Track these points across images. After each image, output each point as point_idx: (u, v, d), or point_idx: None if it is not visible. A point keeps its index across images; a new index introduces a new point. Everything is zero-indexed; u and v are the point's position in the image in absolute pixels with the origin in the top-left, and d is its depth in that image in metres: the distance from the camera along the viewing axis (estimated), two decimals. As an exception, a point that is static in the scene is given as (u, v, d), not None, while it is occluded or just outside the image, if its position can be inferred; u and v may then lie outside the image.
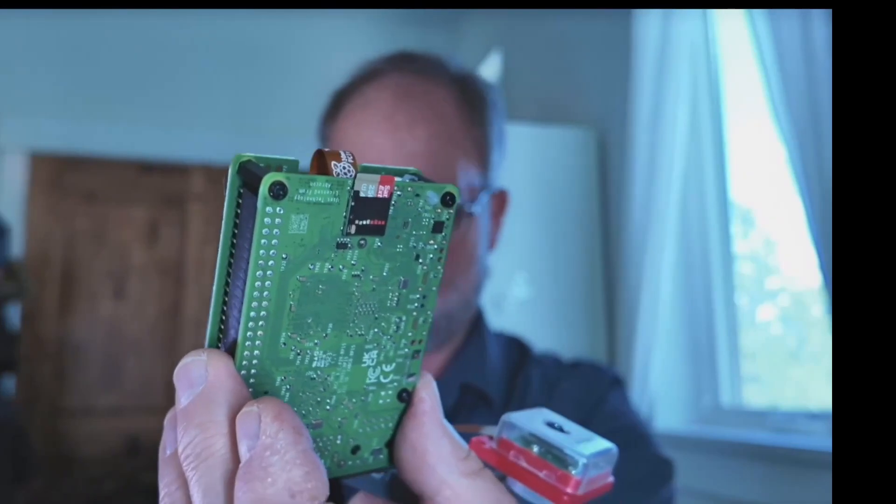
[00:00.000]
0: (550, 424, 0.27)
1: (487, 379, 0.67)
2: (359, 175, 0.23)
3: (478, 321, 0.72)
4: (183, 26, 2.63)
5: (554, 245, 1.70)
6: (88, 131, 2.55)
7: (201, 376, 0.22)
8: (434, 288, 0.26)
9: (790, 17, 1.07)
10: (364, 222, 0.24)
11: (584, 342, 1.67)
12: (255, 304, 0.23)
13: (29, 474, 1.97)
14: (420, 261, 0.26)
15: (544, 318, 1.65)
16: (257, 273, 0.23)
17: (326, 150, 0.24)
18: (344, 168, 0.23)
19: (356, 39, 2.70)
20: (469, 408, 0.67)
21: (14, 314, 2.36)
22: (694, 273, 1.54)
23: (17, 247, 2.38)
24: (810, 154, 1.04)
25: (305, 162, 0.25)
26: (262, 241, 0.22)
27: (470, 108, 0.68)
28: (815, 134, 1.03)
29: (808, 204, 1.05)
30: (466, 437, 0.28)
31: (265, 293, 0.23)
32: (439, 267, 0.26)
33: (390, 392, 0.27)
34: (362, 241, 0.24)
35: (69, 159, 2.56)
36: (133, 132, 2.58)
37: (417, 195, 0.25)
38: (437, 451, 0.25)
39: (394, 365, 0.26)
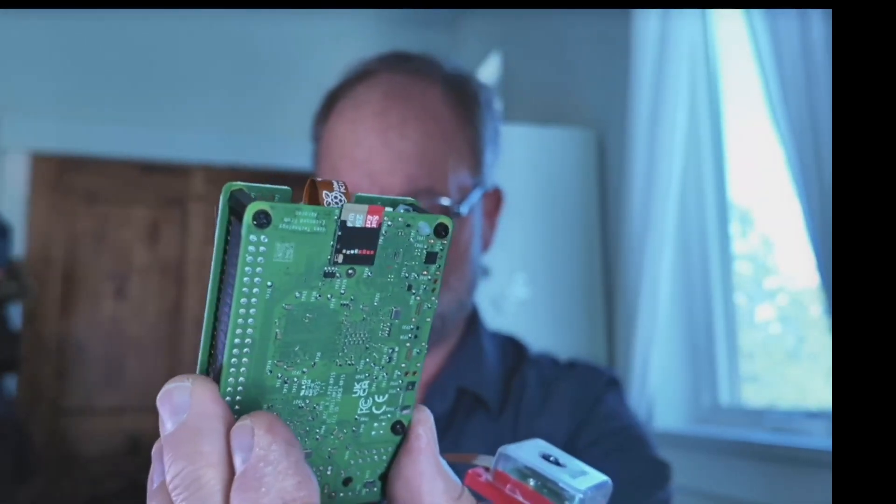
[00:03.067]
0: (546, 457, 0.27)
1: (483, 381, 0.67)
2: (346, 205, 0.23)
3: (473, 321, 0.72)
4: (184, 27, 2.63)
5: (553, 245, 1.70)
6: (89, 132, 2.55)
7: (185, 403, 0.23)
8: (428, 319, 0.26)
9: (788, 17, 1.07)
10: (352, 252, 0.24)
11: (583, 342, 1.67)
12: (239, 330, 0.23)
13: (30, 473, 1.97)
14: (413, 291, 0.25)
15: (544, 319, 1.66)
16: (241, 300, 0.23)
17: (319, 179, 0.24)
18: (335, 198, 0.23)
19: (356, 40, 2.70)
20: (465, 411, 0.66)
21: (16, 314, 2.36)
22: (693, 273, 1.54)
23: (18, 247, 2.38)
24: (808, 154, 1.04)
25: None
26: (247, 268, 0.22)
27: (462, 108, 0.68)
28: (813, 134, 1.03)
29: (805, 204, 1.06)
30: (462, 467, 0.28)
31: (250, 320, 0.23)
32: (433, 298, 0.26)
33: (384, 424, 0.26)
34: (351, 271, 0.24)
35: (70, 159, 2.56)
36: (134, 133, 2.59)
37: (409, 225, 0.24)
38: (431, 489, 0.25)
39: (387, 396, 0.26)
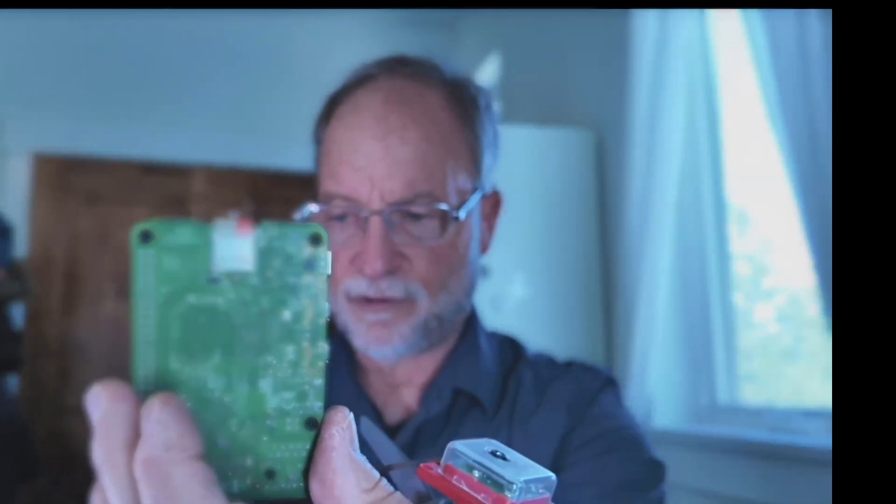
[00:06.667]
0: (493, 453, 0.30)
1: (479, 383, 0.67)
2: (218, 221, 0.28)
3: (471, 322, 0.72)
4: (185, 27, 2.64)
5: (552, 245, 1.71)
6: (91, 132, 2.56)
7: (97, 405, 0.27)
8: (321, 321, 0.29)
9: (786, 17, 1.08)
10: (228, 260, 0.28)
11: (582, 342, 1.68)
12: (142, 330, 0.28)
13: (33, 473, 1.98)
14: (301, 295, 0.29)
15: (543, 318, 1.66)
16: (140, 304, 0.28)
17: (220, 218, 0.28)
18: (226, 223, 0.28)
19: (356, 40, 2.71)
20: (461, 412, 0.67)
21: (18, 314, 2.37)
22: (691, 273, 1.55)
23: (20, 247, 2.39)
24: (806, 153, 1.05)
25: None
26: (140, 278, 0.27)
27: (462, 112, 0.68)
28: (810, 134, 1.03)
29: (803, 203, 1.06)
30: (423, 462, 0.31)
31: (149, 321, 0.28)
32: (323, 302, 0.29)
33: (297, 420, 0.29)
34: (235, 277, 0.28)
35: (72, 160, 2.57)
36: (135, 133, 2.60)
37: (282, 236, 0.28)
38: (344, 483, 0.28)
39: (294, 392, 0.29)
